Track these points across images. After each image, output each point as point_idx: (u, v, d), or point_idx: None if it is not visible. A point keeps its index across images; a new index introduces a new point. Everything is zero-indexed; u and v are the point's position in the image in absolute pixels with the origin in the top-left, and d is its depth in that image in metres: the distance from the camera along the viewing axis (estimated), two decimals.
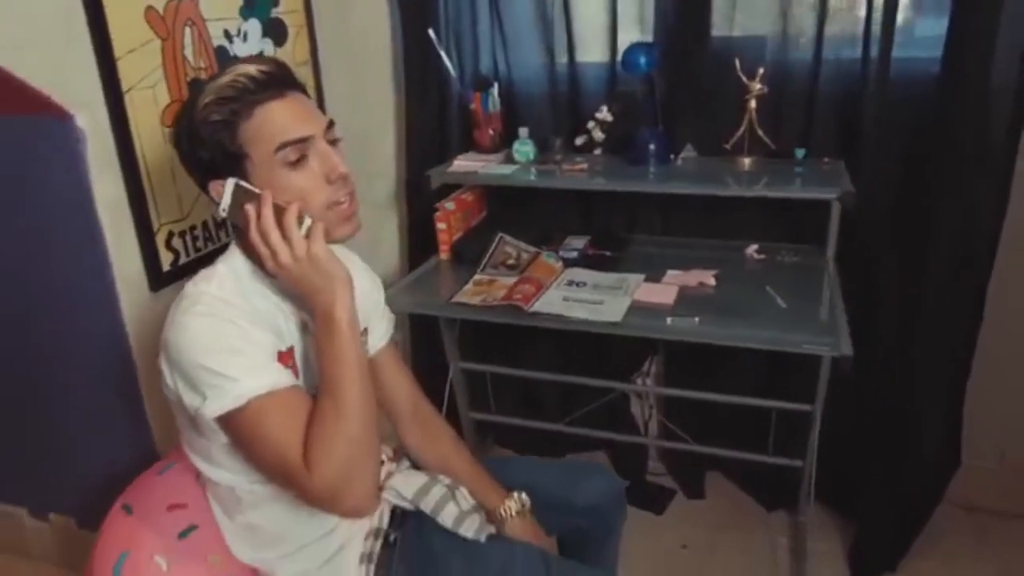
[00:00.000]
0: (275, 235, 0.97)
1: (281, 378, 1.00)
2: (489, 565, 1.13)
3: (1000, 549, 1.84)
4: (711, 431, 1.99)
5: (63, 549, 1.91)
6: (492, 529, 1.21)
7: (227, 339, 0.98)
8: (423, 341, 2.09)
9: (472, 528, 1.16)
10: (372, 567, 1.14)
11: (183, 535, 1.13)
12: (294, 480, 0.98)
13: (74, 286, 1.55)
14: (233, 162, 0.99)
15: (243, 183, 1.00)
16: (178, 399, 1.02)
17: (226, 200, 1.00)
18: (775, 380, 1.88)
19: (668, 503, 2.07)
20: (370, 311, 1.24)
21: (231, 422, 0.98)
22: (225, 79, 0.98)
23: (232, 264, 1.07)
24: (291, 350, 1.06)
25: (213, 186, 1.02)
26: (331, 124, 1.05)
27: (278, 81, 1.00)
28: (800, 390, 1.72)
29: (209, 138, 0.98)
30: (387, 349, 1.31)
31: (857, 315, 1.71)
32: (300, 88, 1.05)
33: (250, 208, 0.99)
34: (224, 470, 1.09)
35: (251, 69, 0.99)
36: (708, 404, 1.92)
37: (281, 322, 1.07)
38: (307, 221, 0.99)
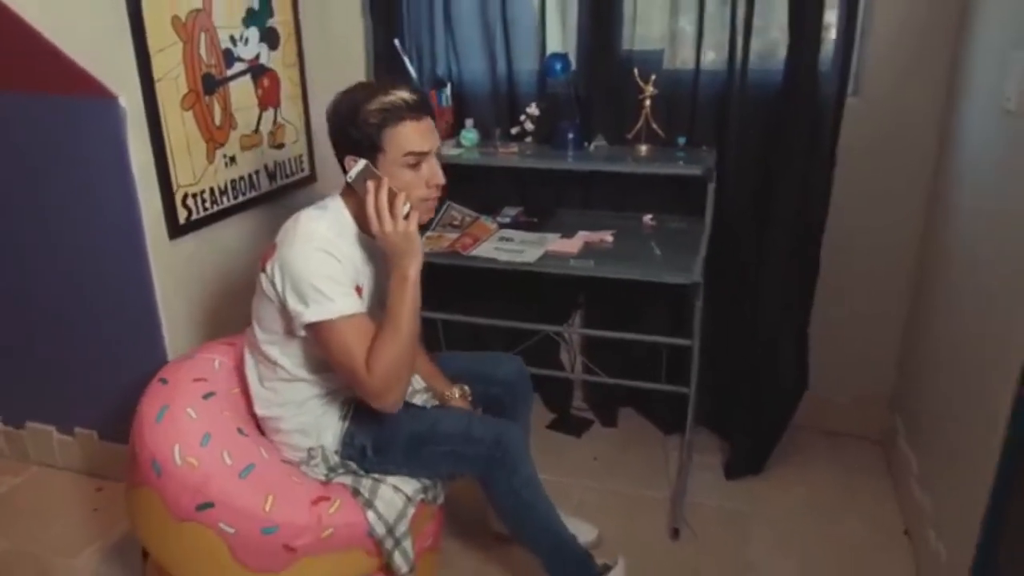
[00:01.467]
0: (385, 211, 1.40)
1: (358, 306, 1.43)
2: (426, 417, 1.58)
3: (846, 459, 2.32)
4: (623, 372, 2.45)
5: (87, 458, 2.29)
6: (436, 402, 1.66)
7: (331, 270, 1.41)
8: None
9: (421, 400, 1.61)
10: (347, 422, 1.59)
11: (205, 397, 1.57)
12: (357, 377, 1.40)
13: (111, 232, 1.96)
14: (372, 151, 1.43)
15: (371, 166, 1.43)
16: (281, 302, 1.43)
17: (355, 171, 1.43)
18: (674, 327, 2.34)
19: (586, 430, 2.52)
20: None
21: (320, 328, 1.40)
22: (390, 97, 1.42)
23: (338, 215, 1.50)
24: (363, 286, 1.50)
25: (348, 160, 1.45)
26: (440, 146, 1.50)
27: (420, 108, 1.45)
28: (690, 333, 2.19)
29: (363, 129, 1.42)
30: None
31: (727, 270, 2.21)
32: (431, 115, 1.49)
33: (371, 184, 1.42)
34: (282, 354, 1.51)
35: (407, 96, 1.43)
36: (621, 347, 2.39)
37: (360, 263, 1.51)
38: (407, 207, 1.43)
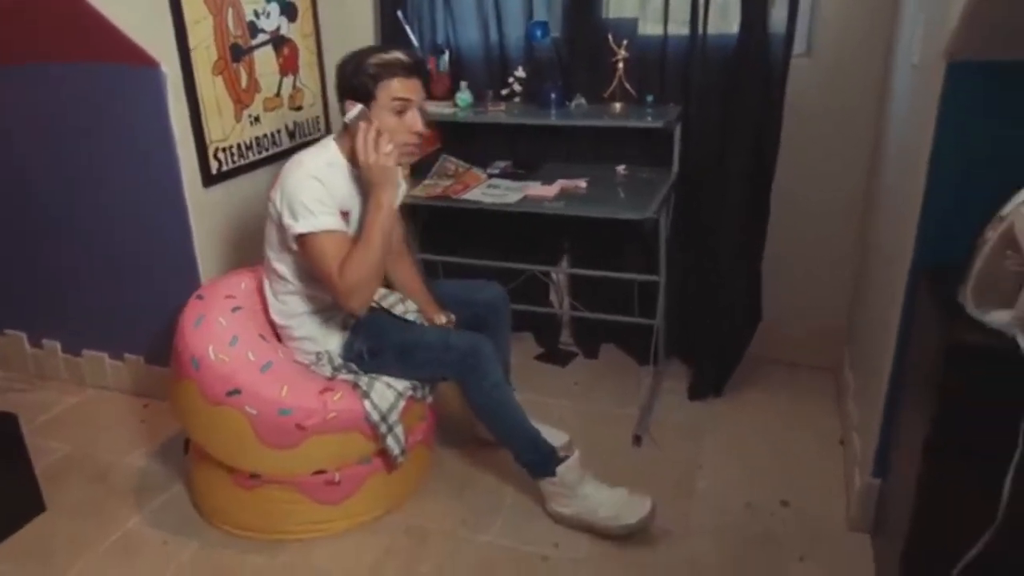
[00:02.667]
0: (370, 145, 1.72)
1: (340, 225, 1.75)
2: (412, 330, 1.91)
3: (799, 384, 2.59)
4: (604, 308, 2.74)
5: (135, 381, 2.65)
6: (424, 321, 1.98)
7: (320, 193, 1.73)
8: None
9: (412, 317, 1.93)
10: (347, 332, 1.92)
11: (234, 310, 1.90)
12: (331, 280, 1.72)
13: (154, 181, 2.29)
14: (367, 97, 1.75)
15: (366, 110, 1.75)
16: (279, 219, 1.75)
17: (352, 114, 1.75)
18: (647, 266, 2.61)
19: (571, 361, 2.82)
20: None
21: (306, 240, 1.73)
22: (388, 55, 1.75)
23: (331, 152, 1.82)
24: (348, 212, 1.82)
25: (348, 103, 1.77)
26: (425, 104, 1.80)
27: (412, 68, 1.77)
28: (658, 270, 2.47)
29: (362, 78, 1.74)
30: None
31: (692, 213, 2.48)
32: (423, 78, 1.80)
33: (363, 125, 1.74)
34: (286, 266, 1.84)
35: (403, 57, 1.76)
36: (603, 286, 2.67)
37: (348, 193, 1.82)
38: (390, 146, 1.74)
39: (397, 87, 1.74)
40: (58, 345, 2.74)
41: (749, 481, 2.13)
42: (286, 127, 2.63)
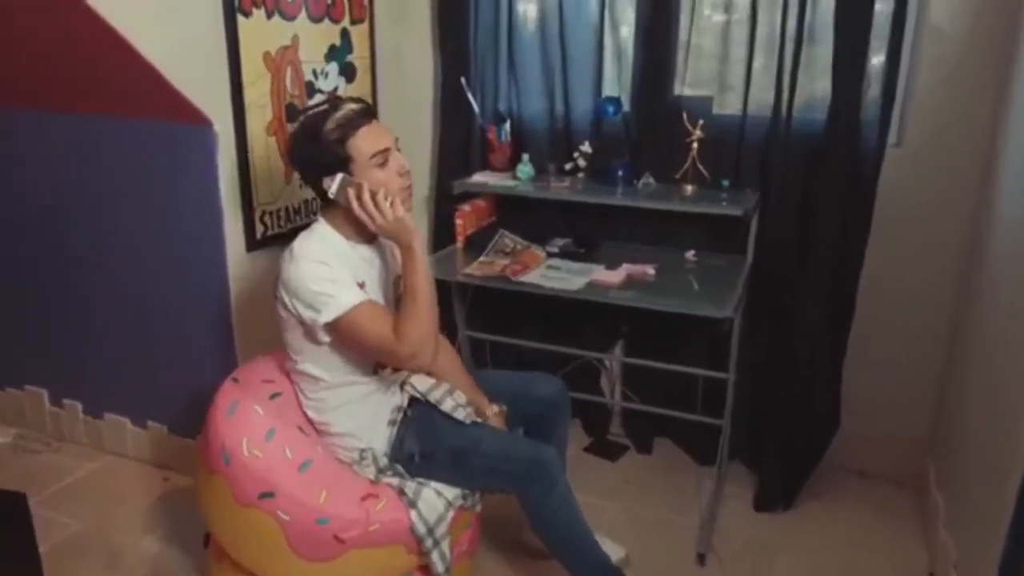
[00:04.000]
0: (372, 208, 1.57)
1: (363, 295, 1.59)
2: (471, 434, 1.71)
3: (877, 499, 2.36)
4: (660, 401, 2.54)
5: (156, 451, 2.48)
6: (476, 419, 1.79)
7: (327, 274, 1.57)
8: (440, 314, 2.68)
9: (462, 415, 1.75)
10: (395, 429, 1.74)
11: (272, 397, 1.73)
12: (391, 349, 1.56)
13: (197, 242, 2.16)
14: (343, 164, 1.60)
15: (347, 176, 1.60)
16: (297, 318, 1.59)
17: (336, 186, 1.60)
18: (713, 358, 2.42)
19: (622, 455, 2.61)
20: None
21: (339, 325, 1.56)
22: (340, 113, 1.59)
23: (322, 230, 1.67)
24: (364, 284, 1.65)
25: (325, 180, 1.61)
26: (396, 139, 1.67)
27: (367, 112, 1.63)
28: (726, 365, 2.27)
29: (329, 149, 1.59)
30: None
31: (767, 308, 2.30)
32: (376, 116, 1.66)
33: (351, 192, 1.58)
34: (315, 365, 1.67)
35: (353, 106, 1.61)
36: (659, 378, 2.48)
37: (355, 265, 1.66)
38: (391, 197, 1.60)
39: (368, 142, 1.59)
40: (79, 406, 2.59)
41: None
42: None
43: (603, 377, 2.72)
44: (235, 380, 1.77)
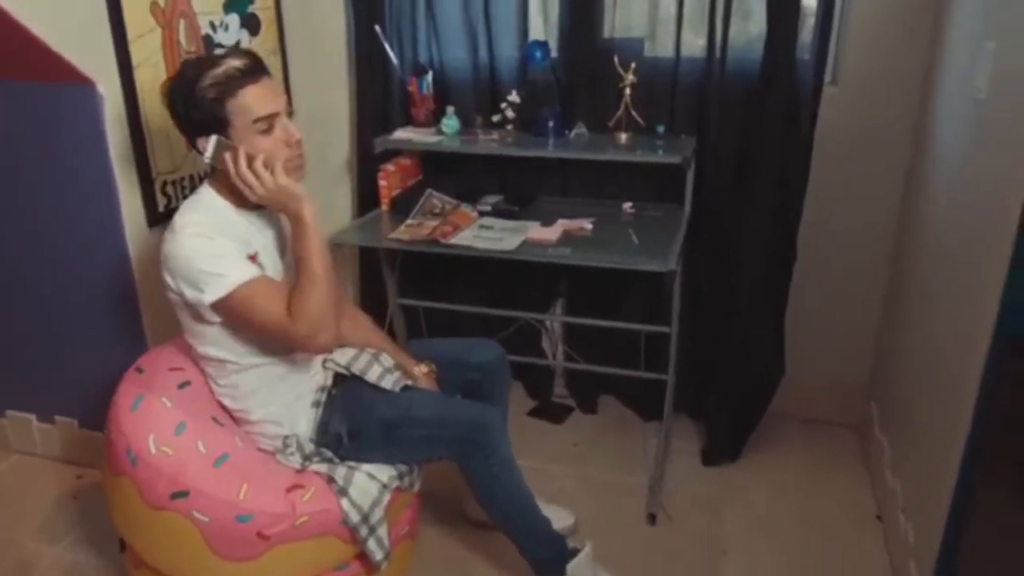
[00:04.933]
0: (249, 176, 1.40)
1: (253, 271, 1.43)
2: (401, 402, 1.59)
3: (822, 446, 2.34)
4: (603, 359, 2.46)
5: (66, 447, 2.29)
6: (406, 382, 1.66)
7: (212, 248, 1.41)
8: (369, 281, 2.54)
9: (391, 382, 1.62)
10: (319, 410, 1.60)
11: (181, 387, 1.57)
12: (284, 330, 1.42)
13: (90, 219, 1.95)
14: (220, 125, 1.42)
15: (223, 139, 1.42)
16: (181, 298, 1.44)
17: (210, 150, 1.42)
18: (653, 314, 2.35)
19: (567, 417, 2.54)
20: None
21: (226, 305, 1.41)
22: (219, 69, 1.40)
23: (206, 198, 1.50)
24: (256, 254, 1.50)
25: (200, 141, 1.44)
26: (289, 102, 1.48)
27: (254, 71, 1.43)
28: (669, 319, 2.20)
29: (204, 107, 1.40)
30: None
31: (707, 256, 2.22)
32: (269, 74, 1.48)
33: (228, 156, 1.42)
34: (217, 348, 1.51)
35: (237, 63, 1.41)
36: (601, 336, 2.40)
37: (246, 235, 1.50)
38: (277, 165, 1.43)
39: (251, 103, 1.40)
40: None
41: (782, 569, 1.86)
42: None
43: (544, 338, 2.62)
44: (139, 371, 1.60)
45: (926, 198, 1.94)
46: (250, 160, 1.41)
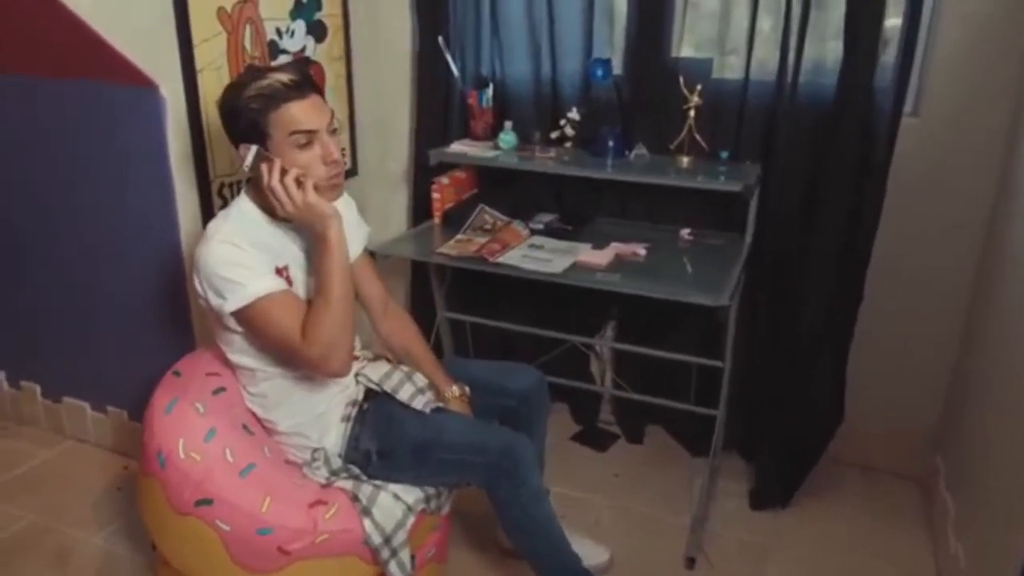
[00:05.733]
0: (280, 191, 1.39)
1: (277, 284, 1.42)
2: (433, 425, 1.55)
3: (880, 497, 2.20)
4: (653, 389, 2.37)
5: (116, 437, 2.35)
6: (438, 403, 1.63)
7: (236, 258, 1.40)
8: (419, 291, 2.52)
9: (422, 402, 1.58)
10: (349, 424, 1.58)
11: (215, 393, 1.57)
12: (295, 351, 1.41)
13: (146, 220, 2.00)
14: (260, 136, 1.41)
15: (263, 150, 1.42)
16: (207, 304, 1.44)
17: (248, 159, 1.42)
18: (707, 344, 2.25)
19: (611, 444, 2.46)
20: (352, 232, 1.65)
21: (245, 315, 1.41)
22: (265, 81, 1.40)
23: (242, 207, 1.50)
24: (286, 267, 1.49)
25: (241, 148, 1.43)
26: (332, 119, 1.46)
27: (300, 86, 1.42)
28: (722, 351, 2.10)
29: (246, 117, 1.40)
30: (362, 259, 1.74)
31: (767, 291, 2.12)
32: (318, 91, 1.46)
33: (264, 168, 1.41)
34: (245, 355, 1.51)
35: (284, 77, 1.41)
36: (653, 365, 2.31)
37: (278, 247, 1.49)
38: (310, 183, 1.41)
39: (292, 118, 1.39)
40: (38, 389, 2.46)
41: None
42: None
43: (592, 362, 2.55)
44: (176, 374, 1.61)
45: (1012, 240, 1.79)
46: (283, 173, 1.40)
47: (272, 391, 1.54)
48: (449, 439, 1.54)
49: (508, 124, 2.24)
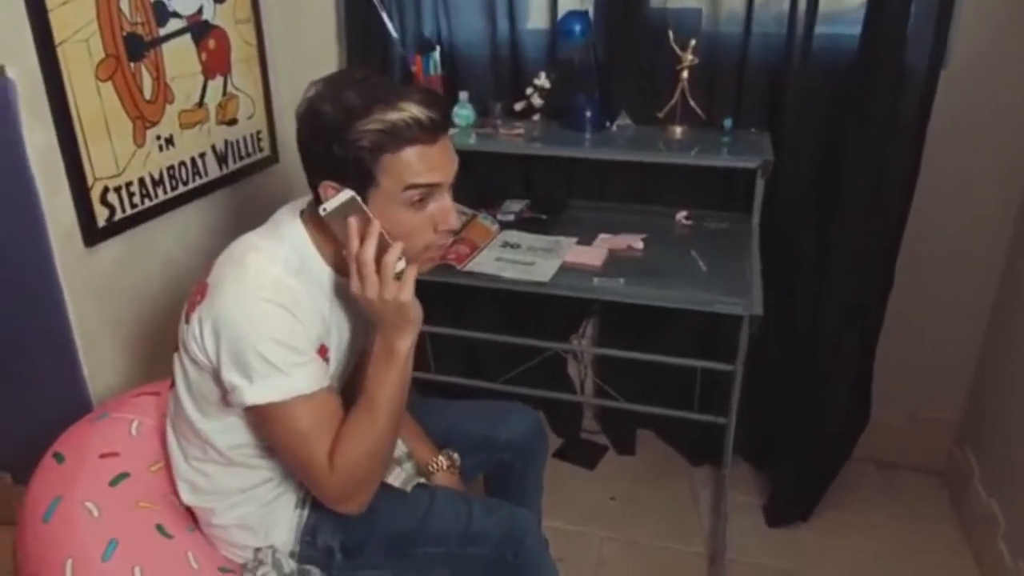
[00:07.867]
0: (371, 268, 0.99)
1: (319, 378, 1.03)
2: (413, 509, 1.19)
3: (906, 500, 1.98)
4: (642, 391, 2.05)
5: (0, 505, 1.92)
6: (420, 479, 1.27)
7: (287, 333, 1.00)
8: None
9: (400, 479, 1.22)
10: (305, 511, 1.20)
11: (114, 483, 1.17)
12: (313, 472, 1.04)
13: (6, 240, 1.54)
14: (361, 180, 1.00)
15: (359, 199, 1.00)
16: (212, 368, 1.03)
17: (335, 204, 0.99)
18: (703, 342, 1.96)
19: (600, 459, 2.16)
20: None
21: (266, 412, 1.01)
22: (395, 115, 0.97)
23: (300, 250, 1.07)
24: (328, 347, 1.10)
25: (325, 186, 1.01)
26: (455, 176, 1.06)
27: (435, 128, 1.00)
28: (725, 351, 1.79)
29: (353, 152, 0.98)
30: None
31: (777, 279, 1.82)
32: (448, 133, 1.05)
33: (353, 222, 0.99)
34: (215, 431, 1.11)
35: (421, 115, 0.98)
36: (640, 365, 1.99)
37: (334, 318, 1.11)
38: (402, 264, 1.01)
39: (416, 164, 1.00)
40: None
41: None
42: (213, 149, 1.89)
43: (570, 363, 2.23)
44: (58, 458, 1.19)
45: None
46: (383, 247, 1.00)
47: (222, 477, 1.15)
48: (434, 527, 1.18)
49: (463, 96, 1.86)
